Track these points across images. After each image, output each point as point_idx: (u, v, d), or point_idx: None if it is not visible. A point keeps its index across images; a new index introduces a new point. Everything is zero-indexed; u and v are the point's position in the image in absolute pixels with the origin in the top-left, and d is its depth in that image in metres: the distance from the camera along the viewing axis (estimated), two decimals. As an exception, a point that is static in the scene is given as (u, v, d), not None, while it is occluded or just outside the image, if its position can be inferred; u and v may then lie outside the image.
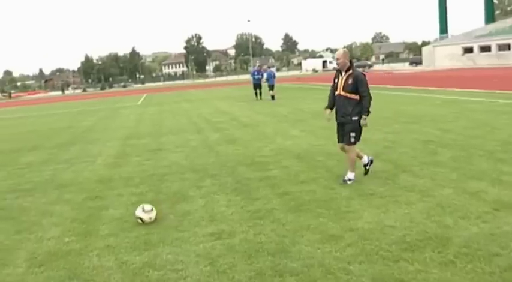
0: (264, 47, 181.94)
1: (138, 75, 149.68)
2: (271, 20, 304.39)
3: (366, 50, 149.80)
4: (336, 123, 7.43)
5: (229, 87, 52.75)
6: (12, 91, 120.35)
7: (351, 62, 7.21)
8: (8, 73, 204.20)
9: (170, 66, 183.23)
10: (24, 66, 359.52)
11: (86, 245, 5.48)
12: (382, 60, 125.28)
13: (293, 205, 6.33)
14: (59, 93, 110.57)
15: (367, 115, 7.08)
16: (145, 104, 33.48)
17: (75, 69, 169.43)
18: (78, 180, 9.06)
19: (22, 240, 5.87)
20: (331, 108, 7.50)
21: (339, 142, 7.49)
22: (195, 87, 64.18)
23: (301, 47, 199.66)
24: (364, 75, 7.25)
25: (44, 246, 5.59)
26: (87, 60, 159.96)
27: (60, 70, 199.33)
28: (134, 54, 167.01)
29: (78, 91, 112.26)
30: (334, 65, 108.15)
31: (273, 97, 25.73)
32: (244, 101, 27.61)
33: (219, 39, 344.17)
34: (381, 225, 5.35)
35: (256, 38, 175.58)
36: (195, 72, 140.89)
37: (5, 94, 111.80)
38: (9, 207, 7.52)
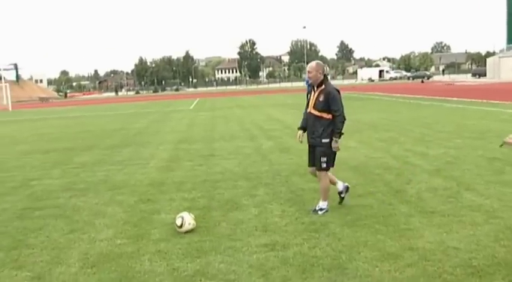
0: (319, 54, 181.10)
1: (191, 79, 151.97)
2: (327, 27, 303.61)
3: (425, 60, 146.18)
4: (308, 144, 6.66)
5: (283, 94, 52.66)
6: (68, 91, 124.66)
7: (325, 76, 6.42)
8: (64, 73, 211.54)
9: (223, 71, 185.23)
10: (79, 67, 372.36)
11: (138, 248, 5.42)
12: (443, 71, 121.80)
13: (349, 219, 6.10)
14: (113, 94, 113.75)
15: (339, 137, 6.26)
16: (198, 109, 33.79)
17: (129, 71, 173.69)
18: (130, 183, 9.10)
19: (75, 239, 5.88)
20: (304, 129, 6.70)
21: (309, 166, 6.70)
22: (247, 93, 64.52)
23: (356, 55, 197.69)
24: (339, 91, 6.37)
25: (96, 247, 5.58)
26: (141, 63, 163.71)
27: (114, 72, 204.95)
28: (188, 58, 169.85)
29: (131, 93, 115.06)
30: (391, 74, 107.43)
31: None
32: (298, 109, 27.40)
33: (273, 45, 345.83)
34: (443, 246, 5.04)
35: (311, 45, 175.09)
36: (248, 78, 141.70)
37: (60, 94, 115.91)
38: (64, 206, 7.60)
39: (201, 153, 12.22)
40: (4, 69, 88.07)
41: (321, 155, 6.35)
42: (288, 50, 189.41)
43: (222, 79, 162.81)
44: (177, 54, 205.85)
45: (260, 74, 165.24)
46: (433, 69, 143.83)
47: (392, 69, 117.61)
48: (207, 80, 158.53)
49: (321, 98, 6.27)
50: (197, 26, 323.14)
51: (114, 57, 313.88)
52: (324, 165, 6.36)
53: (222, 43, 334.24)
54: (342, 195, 6.79)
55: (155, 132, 18.58)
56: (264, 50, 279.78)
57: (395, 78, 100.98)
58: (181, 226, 5.84)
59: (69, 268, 4.97)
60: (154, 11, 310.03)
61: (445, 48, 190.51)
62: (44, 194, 8.54)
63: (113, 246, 5.57)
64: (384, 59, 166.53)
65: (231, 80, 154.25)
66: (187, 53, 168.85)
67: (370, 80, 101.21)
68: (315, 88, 6.39)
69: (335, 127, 6.24)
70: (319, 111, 6.32)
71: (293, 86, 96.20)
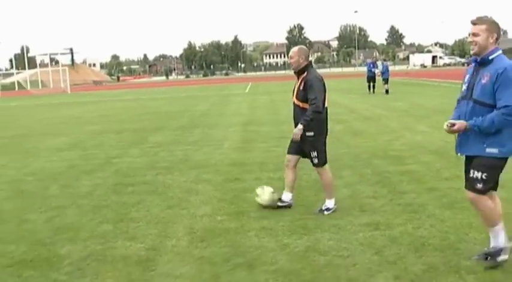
0: (368, 39, 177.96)
1: (239, 64, 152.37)
2: (376, 12, 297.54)
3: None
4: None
5: (334, 80, 52.14)
6: (119, 75, 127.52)
7: (310, 62, 5.83)
8: (115, 57, 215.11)
9: (271, 56, 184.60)
10: (129, 51, 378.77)
11: (241, 225, 5.56)
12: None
13: (446, 202, 6.05)
14: (163, 78, 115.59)
15: (304, 124, 5.59)
16: (253, 93, 33.97)
17: (177, 55, 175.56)
18: (211, 162, 9.27)
19: (176, 215, 6.07)
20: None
21: (288, 153, 6.10)
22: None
23: (407, 40, 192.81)
24: (321, 79, 5.78)
25: (198, 222, 5.75)
26: (190, 47, 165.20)
27: (163, 56, 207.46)
28: (236, 42, 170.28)
29: (181, 77, 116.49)
30: (445, 60, 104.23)
31: (387, 91, 25.23)
32: (356, 93, 27.20)
33: (321, 30, 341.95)
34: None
35: (361, 29, 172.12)
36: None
37: (113, 77, 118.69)
38: (153, 183, 7.83)
39: (272, 135, 12.32)
40: (61, 54, 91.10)
41: (310, 150, 5.82)
42: (336, 35, 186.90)
43: (270, 64, 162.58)
44: (225, 39, 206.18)
45: (309, 59, 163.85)
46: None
47: (446, 55, 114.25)
48: (255, 64, 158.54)
49: (302, 87, 5.75)
50: (245, 10, 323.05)
51: (163, 41, 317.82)
52: (316, 160, 5.82)
53: (269, 28, 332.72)
54: (279, 204, 6.05)
55: (219, 114, 18.82)
56: (312, 34, 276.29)
57: (449, 65, 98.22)
58: (261, 195, 6.07)
59: (179, 241, 5.14)
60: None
61: (502, 33, 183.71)
62: (130, 171, 8.83)
63: (215, 222, 5.72)
64: (436, 44, 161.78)
65: (279, 64, 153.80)
66: (235, 37, 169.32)
67: (423, 66, 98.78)
68: (298, 76, 5.86)
69: (305, 114, 5.62)
70: (300, 101, 5.79)
71: (344, 71, 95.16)
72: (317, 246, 4.79)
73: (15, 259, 4.87)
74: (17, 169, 9.54)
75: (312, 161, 5.89)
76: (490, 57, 4.04)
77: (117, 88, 64.79)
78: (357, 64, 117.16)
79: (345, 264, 4.37)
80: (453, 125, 4.13)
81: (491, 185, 4.15)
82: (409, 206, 5.93)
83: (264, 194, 6.10)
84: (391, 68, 79.46)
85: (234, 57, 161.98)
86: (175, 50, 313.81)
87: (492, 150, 4.03)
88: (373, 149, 9.75)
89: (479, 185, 4.09)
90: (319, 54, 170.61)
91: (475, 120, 4.00)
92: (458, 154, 4.37)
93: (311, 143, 5.78)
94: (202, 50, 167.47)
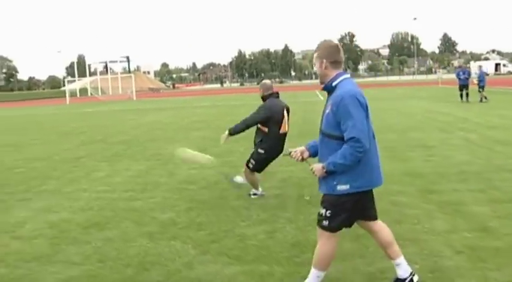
0: (420, 47, 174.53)
1: (290, 72, 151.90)
2: (428, 19, 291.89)
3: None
4: None
5: (403, 87, 50.85)
6: (173, 82, 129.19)
7: (271, 94, 7.22)
8: (164, 65, 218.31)
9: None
10: (178, 59, 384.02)
11: None
12: None
13: None
14: (216, 86, 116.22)
15: (229, 132, 6.88)
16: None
17: (226, 63, 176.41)
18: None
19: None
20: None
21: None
22: (362, 86, 62.92)
23: (459, 48, 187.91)
24: (271, 106, 6.97)
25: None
26: (240, 56, 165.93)
27: (212, 64, 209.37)
28: (287, 50, 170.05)
29: (235, 85, 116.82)
30: (509, 68, 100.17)
31: (481, 99, 24.21)
32: (444, 101, 26.09)
33: (370, 38, 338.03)
34: None
35: (413, 37, 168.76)
36: (348, 71, 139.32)
37: (168, 85, 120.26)
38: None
39: (417, 143, 11.53)
40: (120, 62, 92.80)
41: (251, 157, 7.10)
42: (386, 43, 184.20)
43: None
44: (274, 47, 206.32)
45: (359, 67, 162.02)
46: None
47: (508, 63, 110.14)
48: (306, 72, 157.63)
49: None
50: (293, 18, 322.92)
51: (212, 50, 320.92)
52: (251, 165, 7.03)
53: (317, 36, 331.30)
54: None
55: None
56: (361, 43, 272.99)
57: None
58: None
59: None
60: (250, 4, 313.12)
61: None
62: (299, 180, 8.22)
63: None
64: (493, 51, 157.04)
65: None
66: (286, 46, 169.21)
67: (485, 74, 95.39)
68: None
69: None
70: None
71: (401, 79, 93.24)
72: None
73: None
74: (168, 177, 9.07)
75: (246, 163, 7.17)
76: (334, 84, 3.75)
77: (177, 95, 65.27)
78: (416, 72, 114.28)
79: None
80: (312, 169, 3.83)
81: (338, 222, 3.80)
82: None
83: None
84: (446, 76, 77.37)
85: (284, 66, 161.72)
86: (224, 58, 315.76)
87: (343, 187, 3.72)
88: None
89: (325, 222, 3.80)
90: (370, 62, 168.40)
91: (330, 158, 3.67)
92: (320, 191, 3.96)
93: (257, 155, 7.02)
94: (252, 58, 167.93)
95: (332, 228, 3.81)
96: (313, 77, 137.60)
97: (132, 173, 9.67)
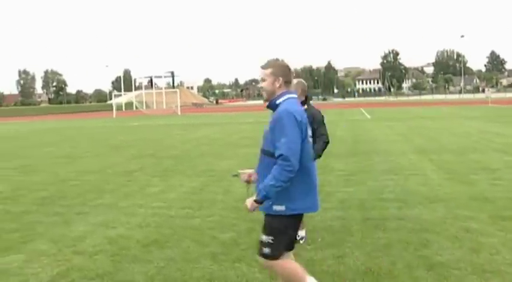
0: (466, 65, 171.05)
1: (333, 90, 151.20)
2: (474, 36, 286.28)
3: None
4: None
5: (450, 107, 49.71)
6: (217, 98, 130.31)
7: (306, 97, 5.82)
8: (207, 81, 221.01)
9: (364, 82, 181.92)
10: (221, 75, 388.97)
11: None
12: None
13: None
14: (259, 102, 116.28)
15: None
16: (377, 118, 32.55)
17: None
18: (454, 195, 8.21)
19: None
20: None
21: None
22: (407, 104, 62.13)
23: (508, 66, 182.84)
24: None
25: None
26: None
27: (255, 80, 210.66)
28: (329, 68, 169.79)
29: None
30: None
31: None
32: (496, 121, 25.24)
33: (415, 56, 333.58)
34: None
35: (458, 55, 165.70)
36: (392, 89, 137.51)
37: (211, 100, 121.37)
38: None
39: (476, 166, 11.03)
40: (164, 77, 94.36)
41: None
42: (430, 60, 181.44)
43: (363, 89, 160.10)
44: (316, 64, 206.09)
45: (403, 85, 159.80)
46: None
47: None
48: (349, 90, 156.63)
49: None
50: (337, 36, 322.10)
51: (254, 66, 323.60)
52: None
53: (360, 53, 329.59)
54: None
55: (373, 140, 17.69)
56: (405, 60, 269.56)
57: None
58: None
59: None
60: (292, 21, 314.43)
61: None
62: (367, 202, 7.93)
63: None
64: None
65: (372, 90, 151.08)
66: (329, 63, 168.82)
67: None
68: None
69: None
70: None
71: (447, 98, 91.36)
72: None
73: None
74: (223, 195, 8.90)
75: None
76: (277, 102, 3.69)
77: (220, 111, 65.71)
78: (462, 90, 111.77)
79: None
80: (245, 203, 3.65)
81: (281, 248, 3.67)
82: None
83: None
84: (495, 95, 74.97)
85: (327, 83, 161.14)
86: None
87: (278, 208, 3.59)
88: None
89: (266, 250, 3.65)
90: (414, 80, 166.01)
91: (261, 185, 3.54)
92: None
93: None
94: (294, 74, 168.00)
95: (274, 256, 3.67)
96: (356, 94, 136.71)
97: (186, 189, 9.56)
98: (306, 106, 5.63)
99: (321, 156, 5.74)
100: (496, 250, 5.43)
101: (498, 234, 5.99)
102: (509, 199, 7.76)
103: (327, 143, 5.75)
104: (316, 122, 5.64)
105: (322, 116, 5.85)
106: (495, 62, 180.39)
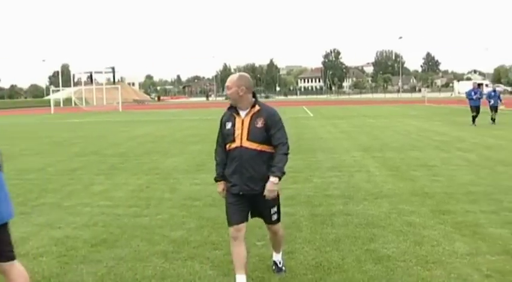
0: (404, 65, 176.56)
1: (275, 88, 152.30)
2: (411, 38, 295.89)
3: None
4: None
5: (392, 105, 51.22)
6: (159, 94, 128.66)
7: (254, 93, 4.56)
8: (149, 77, 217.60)
9: (306, 80, 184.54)
10: (163, 72, 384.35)
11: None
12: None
13: None
14: (201, 99, 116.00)
15: (279, 175, 4.31)
16: (320, 117, 33.03)
17: (210, 77, 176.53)
18: (395, 192, 8.48)
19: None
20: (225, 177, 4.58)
21: (235, 222, 4.41)
22: (349, 103, 63.41)
23: (442, 67, 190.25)
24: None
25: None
26: (225, 69, 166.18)
27: (197, 77, 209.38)
28: (272, 66, 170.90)
29: (220, 98, 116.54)
30: (489, 89, 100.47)
31: (493, 120, 23.08)
32: (440, 120, 26.29)
33: (354, 56, 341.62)
34: None
35: (397, 55, 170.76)
36: (333, 88, 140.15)
37: (153, 97, 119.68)
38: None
39: (417, 163, 11.45)
40: (105, 72, 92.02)
41: (270, 205, 4.51)
42: (369, 60, 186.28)
43: (305, 88, 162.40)
44: (259, 61, 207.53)
45: (344, 84, 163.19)
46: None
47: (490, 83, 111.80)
48: (291, 88, 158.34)
49: (259, 124, 4.41)
50: (279, 34, 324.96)
51: (196, 63, 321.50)
52: (276, 216, 4.60)
53: (302, 52, 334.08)
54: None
55: (317, 138, 17.98)
56: (346, 60, 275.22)
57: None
58: None
59: None
60: (235, 19, 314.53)
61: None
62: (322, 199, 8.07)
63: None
64: (475, 72, 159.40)
65: (313, 89, 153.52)
66: (271, 61, 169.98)
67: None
68: (241, 112, 4.49)
69: (278, 161, 4.33)
70: (258, 143, 4.40)
71: (387, 97, 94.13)
72: None
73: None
74: (171, 193, 8.83)
75: (269, 218, 4.60)
76: None
77: (163, 107, 64.85)
78: (400, 90, 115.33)
79: None
80: None
81: None
82: None
83: None
84: (430, 95, 77.86)
85: (269, 81, 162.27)
86: (209, 72, 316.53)
87: None
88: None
89: None
90: (355, 79, 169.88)
91: None
92: None
93: (275, 196, 4.44)
94: (237, 72, 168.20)
95: None
96: (298, 92, 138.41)
97: (133, 187, 9.42)
98: (257, 106, 4.50)
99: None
100: (437, 242, 5.69)
101: (438, 227, 6.27)
102: (447, 194, 8.13)
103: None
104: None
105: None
106: (430, 62, 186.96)
